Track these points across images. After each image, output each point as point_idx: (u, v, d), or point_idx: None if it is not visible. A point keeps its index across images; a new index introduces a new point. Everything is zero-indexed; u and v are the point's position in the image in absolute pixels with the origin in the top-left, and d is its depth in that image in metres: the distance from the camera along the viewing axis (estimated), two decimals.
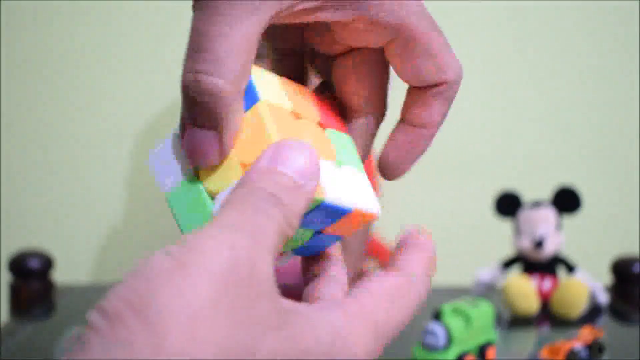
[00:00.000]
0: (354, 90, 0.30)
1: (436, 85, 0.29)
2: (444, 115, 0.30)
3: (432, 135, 0.30)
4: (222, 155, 0.25)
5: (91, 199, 1.79)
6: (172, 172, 0.26)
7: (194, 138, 0.25)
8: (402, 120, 0.30)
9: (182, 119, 0.25)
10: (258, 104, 0.25)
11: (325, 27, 0.29)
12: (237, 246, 0.20)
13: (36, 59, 1.72)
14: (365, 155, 0.31)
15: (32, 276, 0.82)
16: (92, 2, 1.67)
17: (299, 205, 0.24)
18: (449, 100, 0.30)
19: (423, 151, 0.30)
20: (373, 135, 0.31)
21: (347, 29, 0.28)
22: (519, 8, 1.76)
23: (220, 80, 0.23)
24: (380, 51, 0.29)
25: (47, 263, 0.83)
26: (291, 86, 0.29)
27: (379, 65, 0.30)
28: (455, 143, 1.80)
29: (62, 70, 1.72)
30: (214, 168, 0.26)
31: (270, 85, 0.27)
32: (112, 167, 1.78)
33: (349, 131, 0.30)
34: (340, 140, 0.29)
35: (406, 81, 0.29)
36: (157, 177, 0.27)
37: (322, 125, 0.29)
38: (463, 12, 1.73)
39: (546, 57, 1.78)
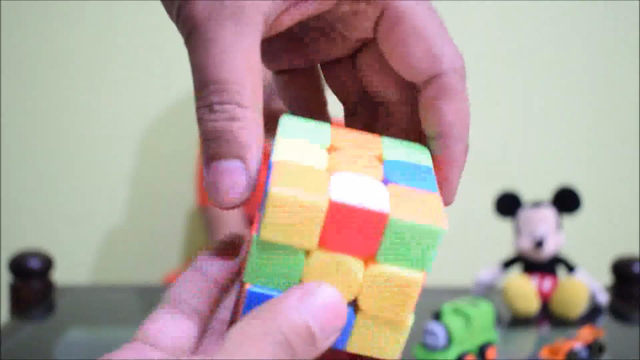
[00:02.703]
0: (379, 83, 0.28)
1: (432, 78, 0.26)
2: (460, 116, 0.27)
3: (458, 143, 0.27)
4: (250, 186, 0.24)
5: (91, 199, 1.79)
6: None
7: (218, 171, 0.23)
8: (426, 137, 0.28)
9: (205, 160, 0.24)
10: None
11: (324, 31, 0.28)
12: None
13: (37, 61, 1.72)
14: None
15: (32, 276, 0.82)
16: (94, 3, 1.67)
17: (309, 357, 0.23)
18: (453, 96, 0.26)
19: (459, 166, 0.29)
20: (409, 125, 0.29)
21: (338, 18, 0.27)
22: (519, 8, 1.76)
23: (231, 105, 0.23)
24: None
25: (47, 263, 0.83)
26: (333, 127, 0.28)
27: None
28: None
29: (62, 71, 1.72)
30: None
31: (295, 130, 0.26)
32: (112, 168, 1.78)
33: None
34: (399, 149, 0.27)
35: (400, 73, 0.27)
36: None
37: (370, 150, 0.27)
38: (464, 12, 1.73)
39: (546, 57, 1.78)
